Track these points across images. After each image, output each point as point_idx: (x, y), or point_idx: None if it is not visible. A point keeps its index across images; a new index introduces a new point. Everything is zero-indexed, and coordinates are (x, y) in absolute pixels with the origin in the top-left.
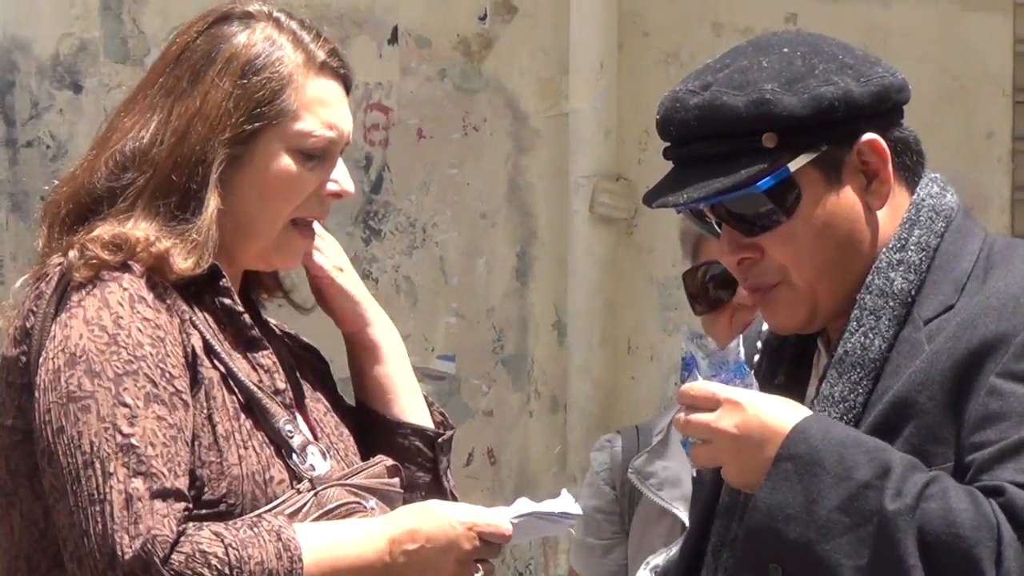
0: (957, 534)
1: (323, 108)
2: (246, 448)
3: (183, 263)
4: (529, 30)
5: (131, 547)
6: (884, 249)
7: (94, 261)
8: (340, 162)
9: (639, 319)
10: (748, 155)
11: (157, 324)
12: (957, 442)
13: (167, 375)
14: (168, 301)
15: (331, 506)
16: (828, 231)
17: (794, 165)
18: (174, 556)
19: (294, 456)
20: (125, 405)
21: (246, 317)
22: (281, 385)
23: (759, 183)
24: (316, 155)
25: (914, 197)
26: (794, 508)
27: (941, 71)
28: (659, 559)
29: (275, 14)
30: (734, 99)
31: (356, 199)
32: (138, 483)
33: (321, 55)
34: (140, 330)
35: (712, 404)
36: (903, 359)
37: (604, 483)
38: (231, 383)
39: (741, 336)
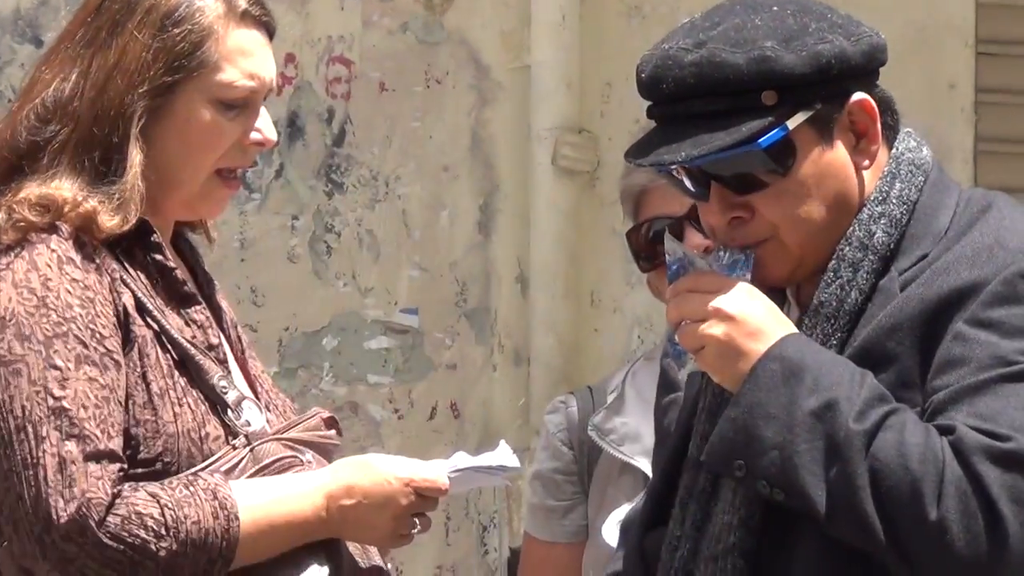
0: (905, 466)
1: (244, 58)
2: (181, 406)
3: (110, 221)
4: None
5: (66, 511)
6: (866, 203)
7: (21, 223)
8: (263, 111)
9: (602, 272)
10: (748, 112)
11: (86, 285)
12: (924, 386)
13: (97, 335)
14: (97, 261)
15: (267, 461)
16: (820, 189)
17: (792, 123)
18: (110, 518)
19: (229, 412)
20: (56, 368)
21: (178, 272)
22: (215, 340)
23: (760, 140)
24: (238, 105)
25: (893, 151)
26: (775, 408)
27: (904, 22)
28: (622, 514)
29: None
30: (733, 56)
31: (319, 152)
32: (71, 446)
33: (242, 4)
34: (69, 291)
35: (715, 287)
36: (877, 309)
37: (562, 444)
38: (164, 340)
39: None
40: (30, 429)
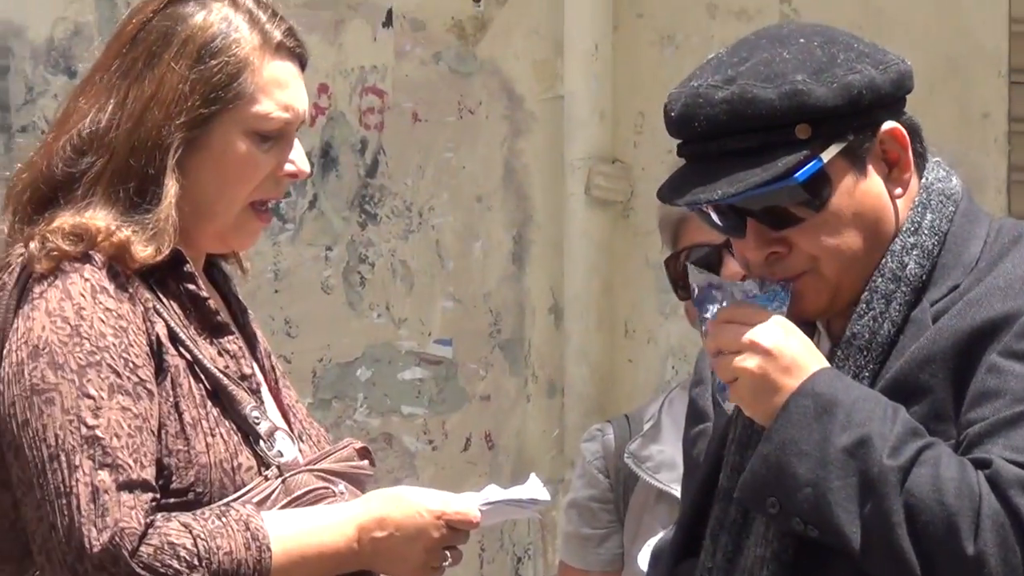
0: (941, 501)
1: (279, 90)
2: (213, 436)
3: (144, 251)
4: (523, 12)
5: (99, 540)
6: (899, 233)
7: (55, 252)
8: (296, 142)
9: (636, 302)
10: (782, 147)
11: (119, 314)
12: (959, 418)
13: (131, 365)
14: (130, 290)
15: (299, 492)
16: (857, 220)
17: (826, 155)
18: (143, 548)
19: (261, 443)
20: (89, 396)
21: (211, 302)
22: (247, 370)
23: (797, 174)
24: (273, 136)
25: (923, 181)
26: (808, 444)
27: (937, 51)
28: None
29: None
30: (765, 91)
31: (352, 183)
32: (104, 475)
33: (277, 35)
34: (103, 320)
35: (751, 319)
36: (909, 340)
37: (598, 472)
38: (197, 370)
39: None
40: (63, 458)
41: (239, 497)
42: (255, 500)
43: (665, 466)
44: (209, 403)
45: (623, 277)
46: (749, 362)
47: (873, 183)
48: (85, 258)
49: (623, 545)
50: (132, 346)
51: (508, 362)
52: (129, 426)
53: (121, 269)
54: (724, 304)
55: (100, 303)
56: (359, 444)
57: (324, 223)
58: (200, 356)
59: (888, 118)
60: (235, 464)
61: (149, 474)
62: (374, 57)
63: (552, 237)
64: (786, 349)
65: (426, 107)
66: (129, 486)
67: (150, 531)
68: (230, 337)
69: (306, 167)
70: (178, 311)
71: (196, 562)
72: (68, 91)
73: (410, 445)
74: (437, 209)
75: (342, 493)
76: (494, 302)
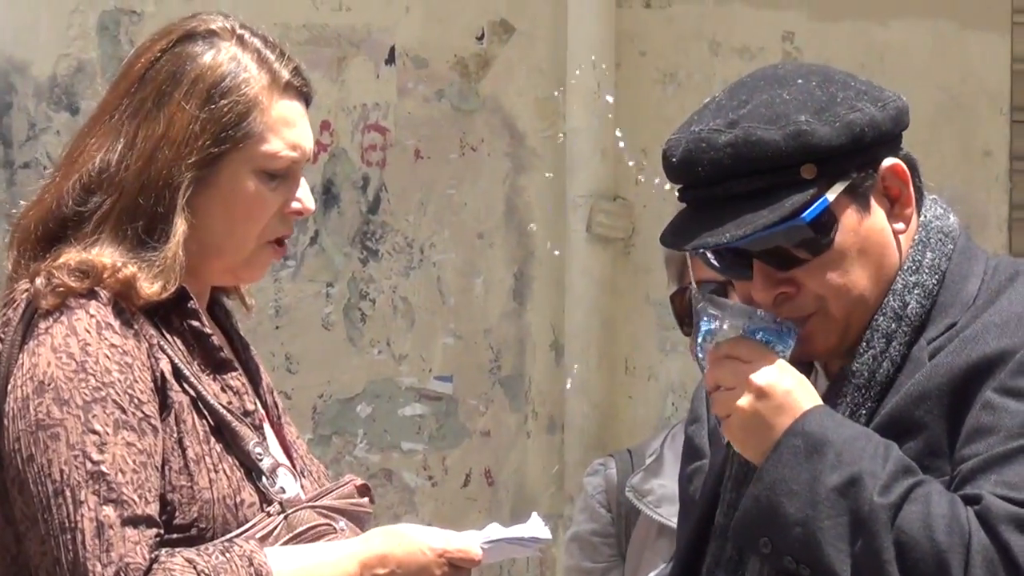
0: (931, 537)
1: (288, 129)
2: (216, 472)
3: (150, 288)
4: (526, 50)
5: (104, 575)
6: (899, 272)
7: (60, 288)
8: (303, 181)
9: (637, 339)
10: (789, 188)
11: (124, 350)
12: (953, 455)
13: (135, 401)
14: (135, 327)
15: (301, 528)
16: (862, 257)
17: (831, 194)
18: None
19: (264, 479)
20: (94, 432)
21: (215, 339)
22: (250, 407)
23: (804, 214)
24: (280, 175)
25: (922, 219)
26: (798, 484)
27: (938, 89)
28: (657, 574)
29: (239, 31)
30: (769, 133)
31: (354, 219)
32: (109, 511)
33: (285, 75)
34: (108, 356)
35: (750, 357)
36: (906, 378)
37: (600, 506)
38: (200, 407)
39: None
40: (68, 493)
41: (242, 533)
42: (258, 536)
43: (667, 500)
44: (212, 439)
45: (624, 314)
46: (742, 400)
47: (876, 219)
48: (91, 294)
49: None
50: (137, 382)
51: (508, 398)
52: (134, 462)
53: (126, 306)
54: (724, 326)
55: (105, 339)
56: (359, 481)
57: (325, 259)
58: (204, 392)
59: (888, 154)
60: (238, 500)
61: (153, 510)
62: (377, 94)
63: (553, 274)
64: (779, 388)
65: (428, 144)
66: (134, 521)
67: (155, 566)
68: (233, 373)
69: (311, 205)
70: (182, 347)
71: None
72: (71, 128)
73: (410, 481)
74: (438, 245)
75: (343, 530)
76: (495, 338)
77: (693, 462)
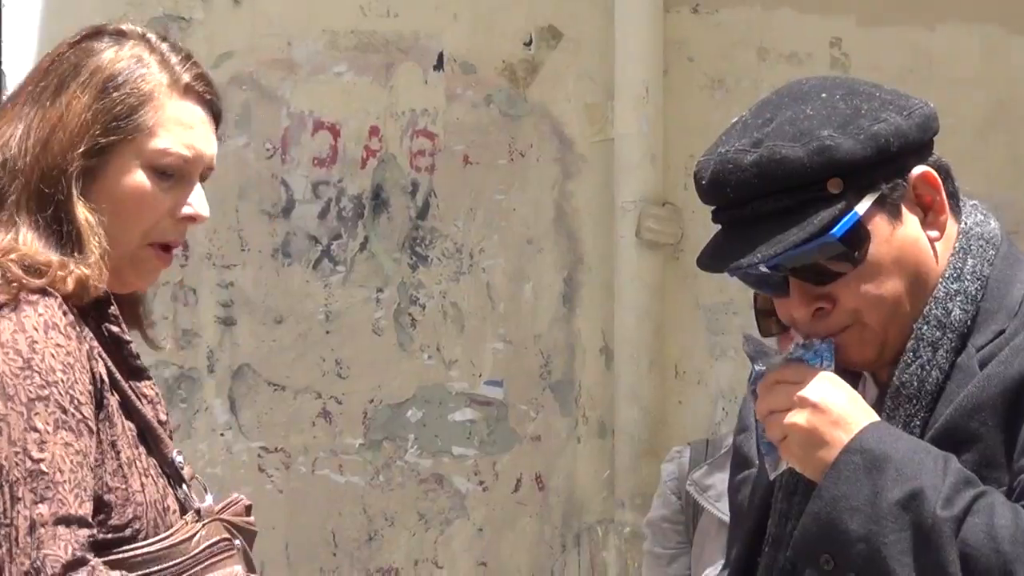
0: (997, 549)
1: (182, 129)
2: (146, 476)
3: (96, 290)
4: (574, 56)
5: (27, 570)
6: (940, 279)
7: (14, 284)
8: (198, 186)
9: (686, 344)
10: (816, 204)
11: (68, 351)
12: (1011, 465)
13: (75, 402)
14: (78, 328)
15: (212, 540)
16: (897, 268)
17: (861, 207)
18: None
19: (184, 487)
20: (35, 430)
21: (132, 346)
22: (163, 417)
23: (833, 230)
24: (172, 175)
25: (961, 226)
26: (859, 500)
27: (986, 95)
28: (717, 571)
29: (148, 35)
30: (794, 150)
31: (403, 225)
32: (43, 509)
33: (186, 78)
34: (53, 356)
35: (799, 378)
36: (957, 387)
37: (671, 493)
38: (128, 411)
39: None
40: (7, 489)
41: (168, 537)
42: (180, 539)
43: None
44: (139, 444)
45: (673, 319)
46: (798, 417)
47: (909, 229)
48: (42, 292)
49: (691, 567)
50: (77, 383)
51: (559, 403)
52: (71, 462)
53: (71, 307)
54: (771, 364)
55: (51, 339)
56: (247, 500)
57: (375, 265)
58: (131, 397)
59: (917, 163)
60: (165, 505)
61: (87, 510)
62: (425, 100)
63: (603, 279)
64: (834, 403)
65: (477, 150)
66: (67, 521)
67: (81, 568)
68: (148, 382)
69: (205, 212)
70: (103, 352)
71: None
72: None
73: (461, 486)
74: (488, 251)
75: (239, 548)
76: (545, 344)
77: (742, 471)
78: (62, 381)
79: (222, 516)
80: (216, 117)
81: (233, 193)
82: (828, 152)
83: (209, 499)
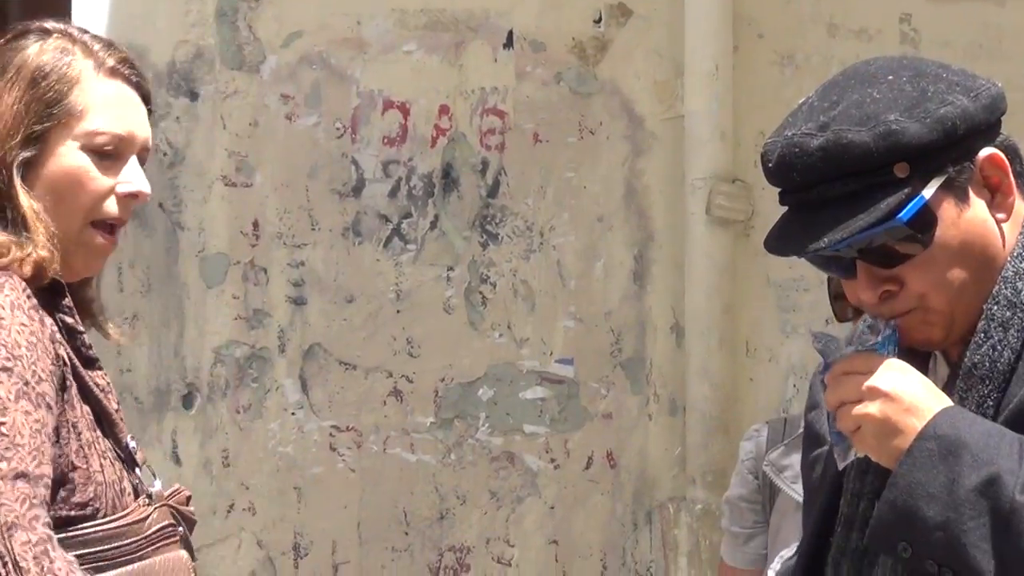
0: None
1: (111, 108)
2: (104, 458)
3: (55, 266)
4: (644, 33)
5: None
6: (1009, 259)
7: None
8: (135, 163)
9: (757, 321)
10: (882, 188)
11: (32, 331)
12: None
13: (37, 377)
14: (40, 312)
15: (161, 524)
16: (964, 250)
17: (928, 191)
18: (18, 534)
19: (137, 470)
20: None
21: (86, 337)
22: (114, 405)
23: (900, 214)
24: (108, 155)
25: None
26: (935, 487)
27: None
28: (791, 552)
29: (69, 30)
30: (860, 135)
31: (473, 203)
32: (2, 465)
33: (111, 61)
34: (19, 332)
35: (867, 367)
36: None
37: (748, 472)
38: (84, 396)
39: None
40: None
41: (125, 516)
42: (135, 519)
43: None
44: (96, 428)
45: (744, 296)
46: (871, 408)
47: (977, 211)
48: (4, 273)
49: (767, 546)
50: (39, 361)
51: (629, 381)
52: (31, 429)
53: (32, 292)
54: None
55: (16, 317)
56: (188, 491)
57: (445, 244)
58: (88, 382)
59: (985, 144)
60: (121, 487)
61: (45, 471)
62: (495, 78)
63: (673, 256)
64: (905, 391)
65: (547, 128)
66: (24, 476)
67: (40, 527)
68: (99, 372)
69: (146, 188)
70: (62, 339)
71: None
72: (190, 113)
73: (532, 464)
74: (558, 229)
75: (181, 534)
76: (615, 321)
77: (815, 449)
78: (26, 356)
79: (169, 502)
80: (146, 99)
81: (303, 172)
82: (894, 136)
83: (158, 484)
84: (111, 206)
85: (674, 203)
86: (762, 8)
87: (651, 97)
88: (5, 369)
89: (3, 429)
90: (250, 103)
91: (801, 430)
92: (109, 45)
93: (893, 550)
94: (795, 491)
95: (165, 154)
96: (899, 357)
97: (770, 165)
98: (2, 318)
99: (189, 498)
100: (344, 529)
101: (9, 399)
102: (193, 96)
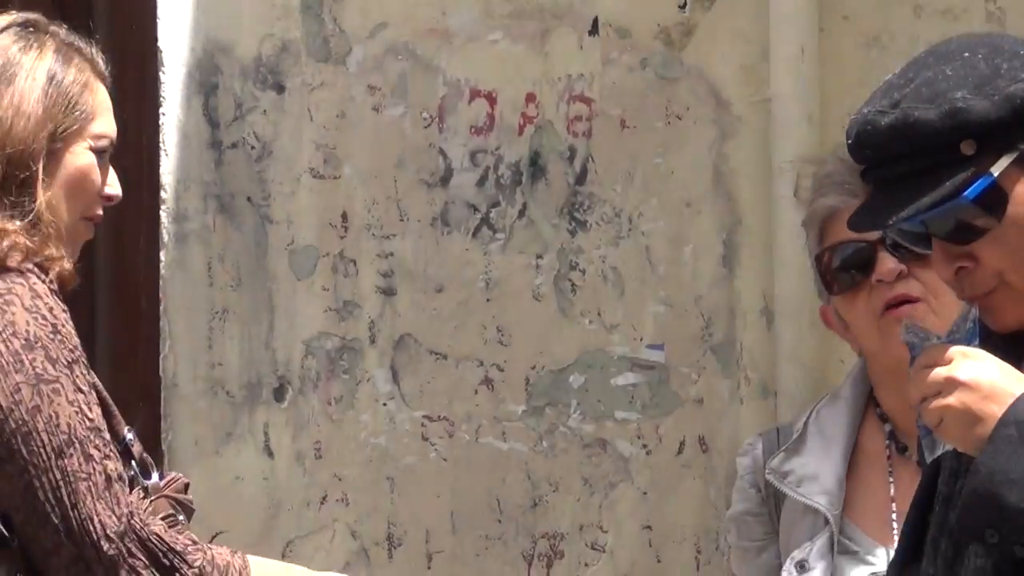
0: None
1: (108, 112)
2: (114, 448)
3: (73, 280)
4: (729, 17)
5: (119, 523)
6: None
7: (21, 248)
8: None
9: None
10: (950, 166)
11: (68, 318)
12: None
13: (89, 368)
14: (64, 305)
15: (160, 516)
16: None
17: (997, 168)
18: (152, 527)
19: (133, 463)
20: (81, 391)
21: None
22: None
23: (965, 192)
24: (101, 157)
25: None
26: (1016, 472)
27: None
28: (803, 554)
29: (51, 27)
30: (926, 113)
31: (561, 190)
32: (110, 464)
33: (100, 63)
34: (65, 323)
35: (944, 359)
36: None
37: (749, 486)
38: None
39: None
40: (78, 446)
41: None
42: None
43: (807, 479)
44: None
45: None
46: (950, 399)
47: None
48: (39, 267)
49: (780, 556)
50: (84, 353)
51: (720, 365)
52: (103, 422)
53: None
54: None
55: (59, 306)
56: (185, 479)
57: (534, 231)
58: (94, 376)
59: None
60: (127, 476)
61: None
62: (581, 65)
63: (762, 240)
64: (983, 378)
65: (633, 113)
66: (121, 476)
67: (151, 518)
68: (91, 371)
69: (119, 190)
70: None
71: (195, 547)
72: (277, 107)
73: (624, 450)
74: (646, 215)
75: (183, 523)
76: (705, 306)
77: None
78: (79, 347)
79: (166, 493)
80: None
81: (391, 163)
82: (960, 115)
83: (155, 477)
84: (96, 205)
85: (762, 186)
86: None
87: (737, 81)
88: (75, 362)
89: (98, 425)
90: (337, 95)
91: (796, 435)
92: (90, 42)
93: (981, 537)
94: (800, 494)
95: (252, 148)
96: (1002, 346)
97: (849, 142)
98: (52, 308)
99: (187, 485)
100: (437, 518)
101: (89, 393)
102: (280, 89)
